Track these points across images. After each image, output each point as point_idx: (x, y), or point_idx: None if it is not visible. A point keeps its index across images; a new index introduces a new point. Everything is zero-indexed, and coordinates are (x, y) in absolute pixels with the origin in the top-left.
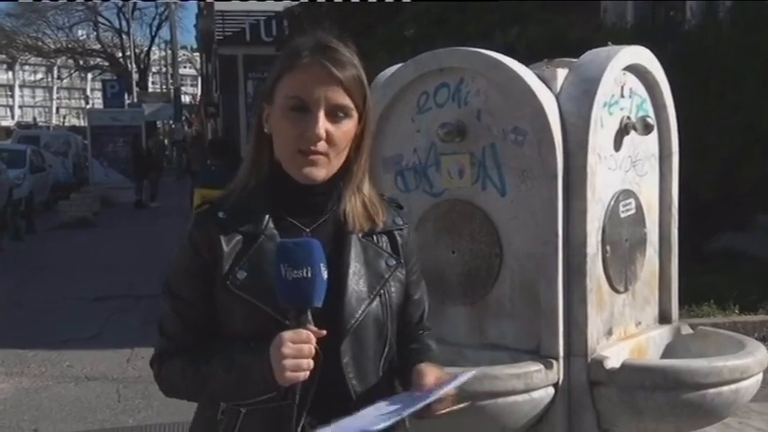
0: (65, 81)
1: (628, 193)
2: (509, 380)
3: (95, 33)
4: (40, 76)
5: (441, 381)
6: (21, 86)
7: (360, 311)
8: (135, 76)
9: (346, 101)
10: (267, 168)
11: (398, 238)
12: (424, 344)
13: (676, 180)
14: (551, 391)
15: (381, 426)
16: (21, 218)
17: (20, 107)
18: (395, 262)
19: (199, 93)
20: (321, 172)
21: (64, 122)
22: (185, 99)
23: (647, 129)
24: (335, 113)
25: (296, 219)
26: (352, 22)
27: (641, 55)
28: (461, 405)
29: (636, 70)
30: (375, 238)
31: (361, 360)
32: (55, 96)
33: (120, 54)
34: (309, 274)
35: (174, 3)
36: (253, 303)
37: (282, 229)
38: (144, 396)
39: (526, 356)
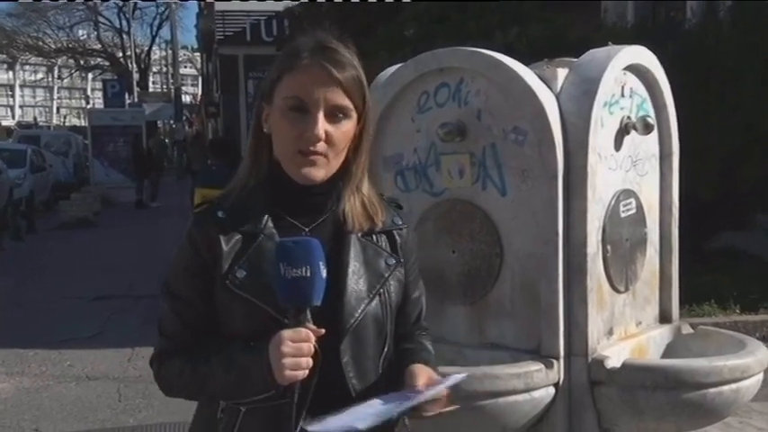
0: (65, 81)
1: (628, 193)
2: (509, 379)
3: (96, 33)
4: (40, 75)
5: (432, 382)
6: (21, 86)
7: (359, 311)
8: (135, 76)
9: (346, 102)
10: (266, 168)
11: (397, 238)
12: (420, 344)
13: (677, 180)
14: (552, 390)
15: (366, 424)
16: (21, 218)
17: (20, 107)
18: (394, 261)
19: (199, 92)
20: (320, 172)
21: (64, 122)
22: (186, 99)
23: (647, 128)
24: (335, 114)
25: (295, 218)
26: (352, 21)
27: (642, 55)
28: (453, 407)
29: (636, 70)
30: (374, 237)
31: (361, 359)
32: (55, 96)
33: (121, 54)
34: (308, 273)
35: (175, 3)
36: (252, 302)
37: (281, 228)
38: (145, 396)
39: (526, 356)
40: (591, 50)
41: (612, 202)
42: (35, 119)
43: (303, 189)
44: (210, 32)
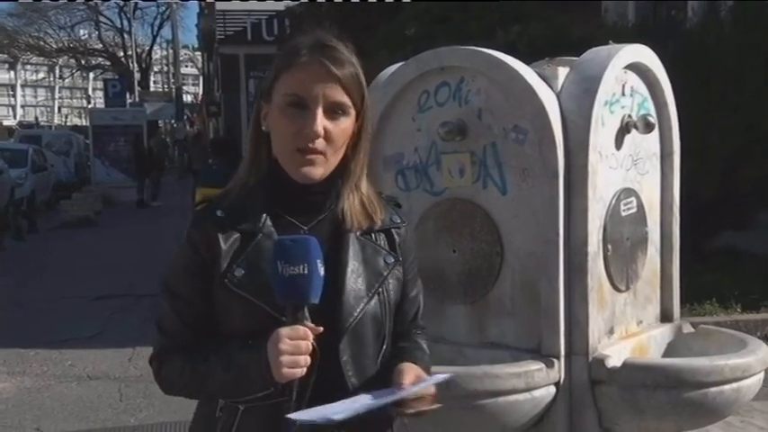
0: (66, 80)
1: (629, 192)
2: (510, 379)
3: (97, 33)
4: (41, 75)
5: (418, 380)
6: (23, 86)
7: (358, 310)
8: (137, 76)
9: (344, 98)
10: (266, 167)
11: (396, 236)
12: (415, 342)
13: (677, 179)
14: (552, 389)
15: (343, 416)
16: (23, 217)
17: (22, 107)
18: (393, 260)
19: (200, 92)
20: (319, 171)
21: (66, 122)
22: (187, 98)
23: (648, 127)
24: (333, 111)
25: (294, 217)
26: (352, 21)
27: (642, 54)
28: (436, 406)
29: (637, 69)
30: (373, 236)
31: (360, 358)
32: (57, 96)
33: (122, 53)
34: (306, 271)
35: (176, 2)
36: (250, 301)
37: (280, 227)
38: (146, 395)
39: (527, 355)
40: (592, 49)
41: (613, 201)
42: (36, 118)
43: (302, 187)
44: (211, 32)
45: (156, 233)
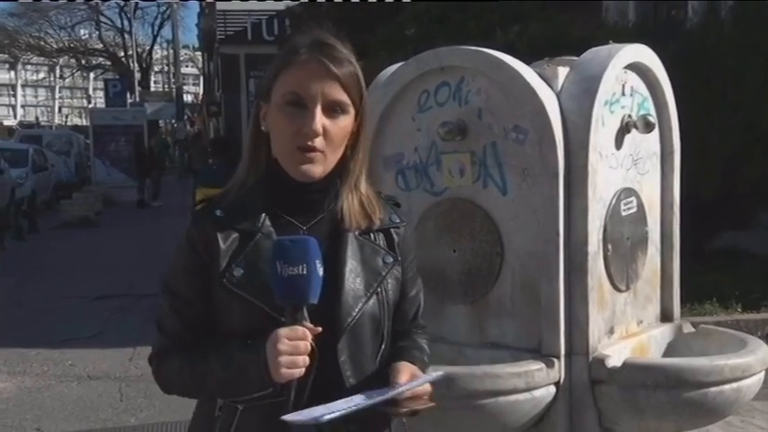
0: (67, 80)
1: (629, 192)
2: (510, 378)
3: (97, 33)
4: (42, 75)
5: (413, 379)
6: (23, 86)
7: (357, 309)
8: (137, 76)
9: (343, 97)
10: (265, 166)
11: (395, 236)
12: (414, 342)
13: (678, 178)
14: (552, 389)
15: (331, 417)
16: (23, 217)
17: (22, 106)
18: (392, 259)
19: (201, 92)
20: (318, 169)
21: (66, 122)
22: (187, 98)
23: (648, 127)
24: (332, 109)
25: (293, 217)
26: (352, 21)
27: (643, 53)
28: (428, 405)
29: (637, 69)
30: (372, 235)
31: (359, 358)
32: (57, 96)
33: (123, 53)
34: (305, 271)
35: (176, 2)
36: (249, 301)
37: (279, 226)
38: (146, 395)
39: (527, 355)
40: (592, 49)
41: (613, 201)
42: (37, 118)
43: (301, 186)
44: (212, 32)
45: (156, 233)
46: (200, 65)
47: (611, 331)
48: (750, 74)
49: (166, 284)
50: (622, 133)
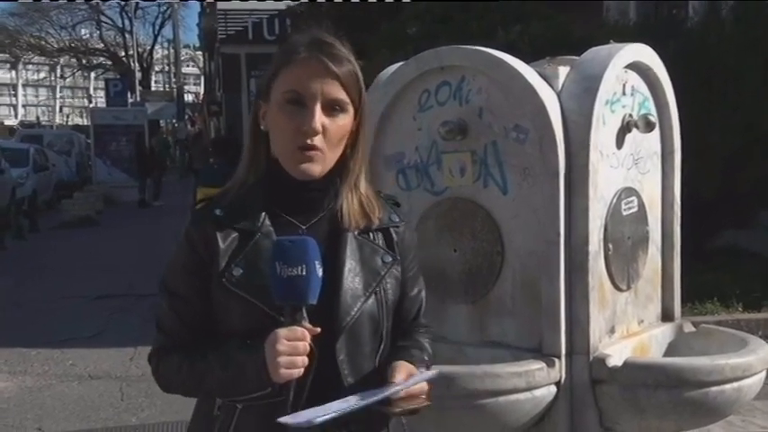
0: (68, 80)
1: (630, 191)
2: (510, 378)
3: (98, 32)
4: (43, 75)
5: (409, 378)
6: (24, 85)
7: (355, 309)
8: (138, 75)
9: (342, 95)
10: (264, 166)
11: (394, 235)
12: (415, 341)
13: (678, 178)
14: (553, 389)
15: (325, 418)
16: (24, 217)
17: (23, 106)
18: (391, 259)
19: (202, 91)
20: (317, 167)
21: (67, 121)
22: (188, 98)
23: (648, 126)
24: (332, 107)
25: (292, 216)
26: (353, 20)
27: (643, 53)
28: (425, 404)
29: (638, 68)
30: (371, 235)
31: (357, 357)
32: (58, 95)
33: (123, 53)
34: (304, 272)
35: (177, 2)
36: (248, 300)
37: (278, 226)
38: (147, 395)
39: (528, 355)
40: (592, 48)
41: (614, 201)
42: (38, 118)
43: (300, 185)
44: (213, 31)
45: (157, 233)
46: (200, 64)
47: (611, 331)
48: (750, 73)
49: (166, 283)
50: (623, 133)
